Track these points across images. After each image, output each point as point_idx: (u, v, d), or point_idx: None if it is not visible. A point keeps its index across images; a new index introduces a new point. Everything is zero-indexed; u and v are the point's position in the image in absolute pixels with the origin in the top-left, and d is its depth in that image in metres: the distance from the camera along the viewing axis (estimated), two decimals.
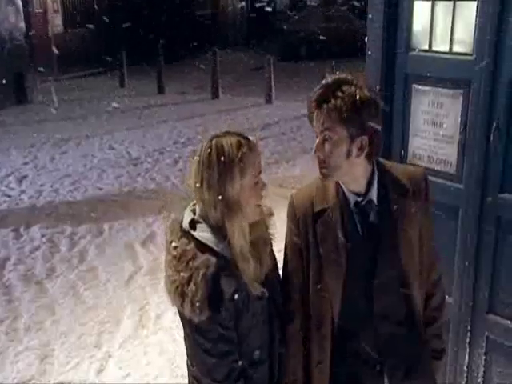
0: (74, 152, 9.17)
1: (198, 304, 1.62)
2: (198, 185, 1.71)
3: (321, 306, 1.84)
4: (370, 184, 1.82)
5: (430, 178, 2.83)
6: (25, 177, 7.85)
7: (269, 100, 12.83)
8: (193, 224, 1.75)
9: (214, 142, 1.70)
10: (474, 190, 2.69)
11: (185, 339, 1.82)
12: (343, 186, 1.83)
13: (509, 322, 2.67)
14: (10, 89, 12.58)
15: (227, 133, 1.73)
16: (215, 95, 13.53)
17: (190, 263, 1.65)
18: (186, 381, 3.30)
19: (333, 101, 1.68)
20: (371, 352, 1.84)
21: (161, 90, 14.45)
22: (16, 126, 11.11)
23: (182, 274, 1.65)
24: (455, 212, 2.78)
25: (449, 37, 2.63)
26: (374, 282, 1.82)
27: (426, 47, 2.72)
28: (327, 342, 1.84)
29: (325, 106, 1.69)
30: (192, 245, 1.70)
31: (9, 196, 7.08)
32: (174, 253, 1.70)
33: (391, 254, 1.83)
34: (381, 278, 1.82)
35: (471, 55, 2.55)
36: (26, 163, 8.52)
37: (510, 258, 2.64)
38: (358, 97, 1.68)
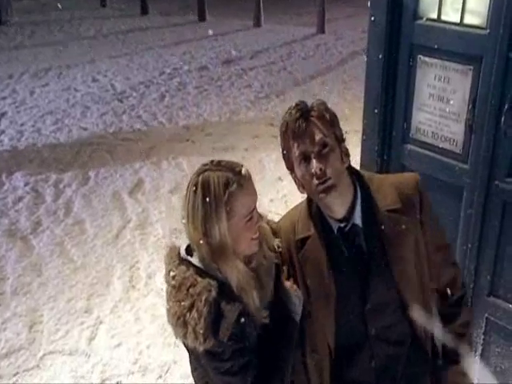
0: (56, 85, 8.80)
1: (201, 331, 1.53)
2: (183, 221, 1.58)
3: (314, 336, 1.78)
4: (353, 206, 1.73)
5: (434, 155, 2.73)
6: (4, 114, 7.54)
7: (257, 23, 12.31)
8: (189, 250, 1.65)
9: (200, 178, 1.54)
10: (480, 172, 2.55)
11: (193, 373, 1.73)
12: (325, 213, 1.75)
13: (510, 305, 2.63)
14: None
15: (218, 164, 1.58)
16: (202, 17, 12.95)
17: (191, 290, 1.56)
18: (178, 349, 3.35)
19: (315, 108, 1.69)
20: (368, 377, 1.78)
21: (144, 11, 13.80)
22: None
23: (182, 303, 1.56)
24: (459, 192, 2.66)
25: (460, 6, 2.39)
26: (366, 306, 1.75)
27: (435, 16, 2.47)
28: (326, 371, 1.77)
29: (313, 114, 1.67)
30: (191, 271, 1.60)
31: None
32: (173, 282, 1.61)
33: (382, 276, 1.74)
34: (373, 302, 1.75)
35: (484, 29, 2.32)
36: (3, 98, 8.17)
37: None
38: (326, 105, 1.73)
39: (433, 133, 2.69)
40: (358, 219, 1.73)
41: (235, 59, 9.95)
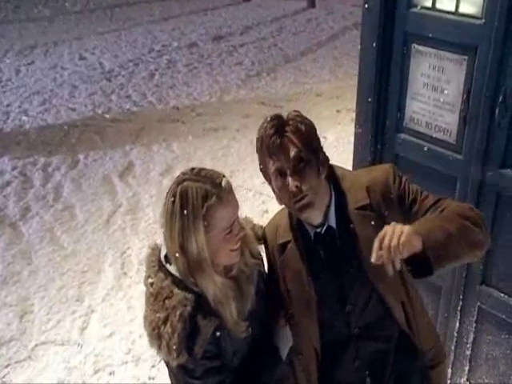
0: (42, 63, 8.62)
1: (174, 347, 1.51)
2: (163, 229, 1.55)
3: (300, 340, 1.79)
4: (328, 210, 1.73)
5: (428, 145, 2.69)
6: None
7: None
8: (168, 257, 1.61)
9: (179, 188, 1.50)
10: (474, 163, 2.53)
11: (170, 377, 1.71)
12: (302, 220, 1.75)
13: (502, 294, 2.64)
14: None
15: (198, 174, 1.53)
16: None
17: (167, 302, 1.54)
18: None
19: (291, 122, 1.65)
20: (354, 377, 1.80)
21: None
22: None
23: (157, 314, 1.54)
24: (452, 183, 2.64)
25: None
26: (346, 308, 1.75)
27: (429, 4, 2.42)
28: (313, 374, 1.79)
29: (287, 129, 1.64)
30: (168, 281, 1.57)
31: None
32: (151, 290, 1.59)
33: (357, 275, 1.72)
34: (352, 302, 1.75)
35: (480, 19, 2.27)
36: None
37: (508, 234, 2.55)
38: (302, 115, 1.70)
39: (427, 123, 2.66)
40: (332, 221, 1.72)
41: (225, 35, 9.78)
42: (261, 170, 1.72)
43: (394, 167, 1.80)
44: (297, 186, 1.61)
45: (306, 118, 1.70)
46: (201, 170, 1.55)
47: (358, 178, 1.79)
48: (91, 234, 4.48)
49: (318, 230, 1.72)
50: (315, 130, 1.71)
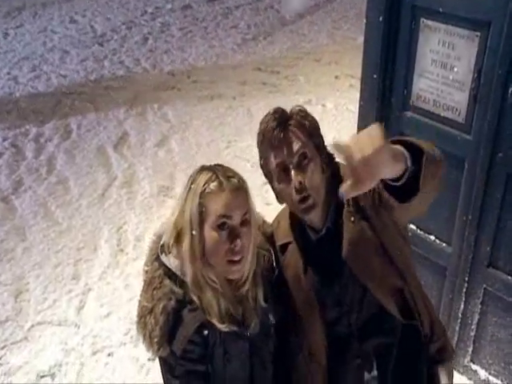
0: (31, 26, 8.35)
1: (156, 340, 1.51)
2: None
3: (309, 341, 1.74)
4: (329, 210, 1.67)
5: (435, 124, 2.59)
6: None
7: None
8: (168, 247, 1.58)
9: (195, 172, 1.56)
10: (483, 144, 2.45)
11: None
12: (303, 222, 1.70)
13: (510, 277, 2.61)
14: None
15: (218, 165, 1.58)
16: None
17: (155, 292, 1.55)
18: None
19: (294, 116, 1.61)
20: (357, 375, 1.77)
21: None
22: None
23: (146, 303, 1.55)
24: (460, 163, 2.57)
25: None
26: (343, 308, 1.71)
27: None
28: (324, 374, 1.74)
29: (291, 122, 1.59)
30: (160, 271, 1.57)
31: None
32: (145, 277, 1.60)
33: (347, 274, 1.67)
34: (347, 302, 1.71)
35: None
36: None
37: None
38: (306, 111, 1.64)
39: (434, 101, 2.56)
40: (331, 221, 1.67)
41: None
42: (261, 166, 1.65)
43: None
44: (300, 182, 1.54)
45: (310, 114, 1.64)
46: (225, 166, 1.58)
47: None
48: (86, 208, 4.38)
49: (320, 235, 1.68)
50: (319, 126, 1.65)
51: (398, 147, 1.33)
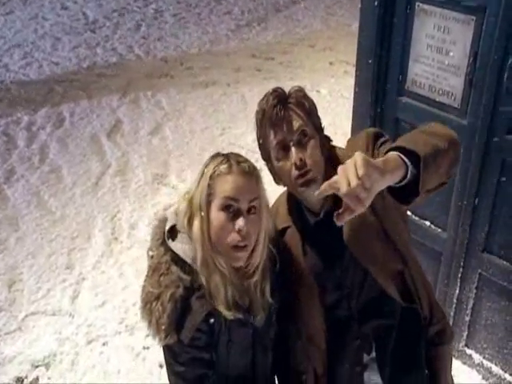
0: (21, 12, 8.26)
1: (163, 327, 1.48)
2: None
3: (308, 326, 1.73)
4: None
5: (431, 109, 2.57)
6: None
7: None
8: (174, 231, 1.55)
9: (209, 158, 1.57)
10: (479, 128, 2.43)
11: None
12: (302, 205, 1.70)
13: (504, 262, 2.60)
14: None
15: (232, 153, 1.58)
16: None
17: (162, 279, 1.51)
18: None
19: (293, 95, 1.61)
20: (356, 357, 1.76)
21: None
22: None
23: (151, 289, 1.52)
24: None
25: None
26: (344, 291, 1.70)
27: None
28: (324, 359, 1.73)
29: (291, 101, 1.60)
30: (167, 257, 1.53)
31: None
32: (150, 263, 1.57)
33: (349, 258, 1.66)
34: (348, 285, 1.70)
35: None
36: None
37: None
38: (304, 91, 1.64)
39: (430, 86, 2.53)
40: (329, 206, 1.65)
41: None
42: (259, 145, 1.64)
43: (370, 133, 1.67)
44: (301, 159, 1.54)
45: (308, 95, 1.63)
46: (238, 154, 1.57)
47: (345, 155, 1.67)
48: (80, 197, 4.35)
49: (318, 218, 1.66)
50: (316, 108, 1.64)
51: (395, 157, 1.32)
